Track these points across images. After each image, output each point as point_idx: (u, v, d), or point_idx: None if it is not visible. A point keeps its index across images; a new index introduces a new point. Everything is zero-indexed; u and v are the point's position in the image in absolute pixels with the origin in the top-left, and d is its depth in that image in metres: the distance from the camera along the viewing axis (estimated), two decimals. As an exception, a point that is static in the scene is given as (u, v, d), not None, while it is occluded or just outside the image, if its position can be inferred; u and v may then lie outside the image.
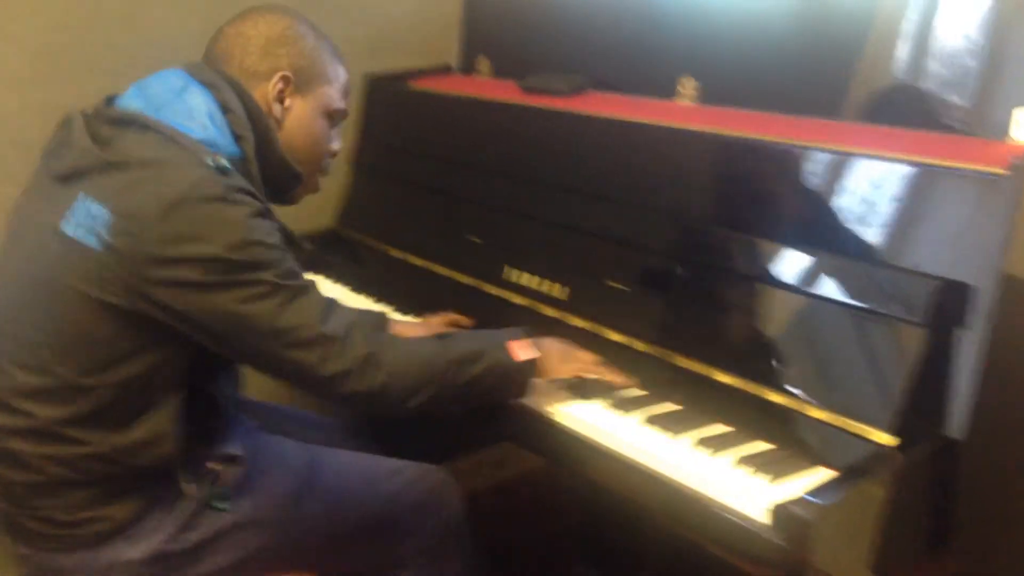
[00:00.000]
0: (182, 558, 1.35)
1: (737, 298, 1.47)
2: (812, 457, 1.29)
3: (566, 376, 1.50)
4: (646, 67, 1.89)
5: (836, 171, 1.42)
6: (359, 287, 2.02)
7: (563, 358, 1.49)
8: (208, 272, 1.21)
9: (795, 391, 1.36)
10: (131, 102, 1.34)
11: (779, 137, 1.50)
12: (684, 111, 1.77)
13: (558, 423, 1.47)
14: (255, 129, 1.36)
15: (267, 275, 1.24)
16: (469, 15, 2.32)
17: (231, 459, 1.38)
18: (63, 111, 1.39)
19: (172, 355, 1.29)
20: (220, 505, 1.37)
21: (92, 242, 1.24)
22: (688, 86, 1.80)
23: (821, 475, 1.25)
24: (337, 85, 1.50)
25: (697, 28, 1.80)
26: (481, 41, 2.29)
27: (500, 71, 2.24)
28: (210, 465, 1.36)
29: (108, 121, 1.31)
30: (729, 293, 1.48)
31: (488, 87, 2.12)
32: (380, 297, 1.96)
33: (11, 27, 1.87)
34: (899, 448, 1.22)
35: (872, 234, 1.35)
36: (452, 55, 2.38)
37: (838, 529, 1.12)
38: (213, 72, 1.39)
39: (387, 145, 2.23)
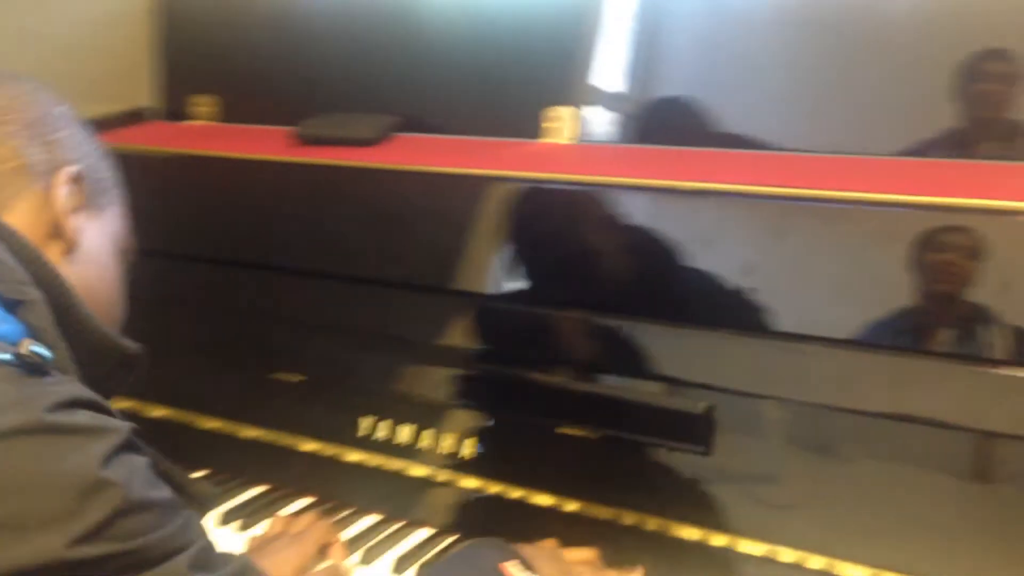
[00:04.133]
0: None
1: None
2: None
3: None
4: (489, 97, 1.36)
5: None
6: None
7: (559, 573, 0.98)
8: None
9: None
10: None
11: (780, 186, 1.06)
12: (565, 155, 1.27)
13: None
14: (39, 281, 0.75)
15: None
16: (170, 36, 1.60)
17: None
18: None
19: None
20: None
21: None
22: (563, 119, 1.29)
23: None
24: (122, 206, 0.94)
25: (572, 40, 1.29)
26: (195, 73, 1.59)
27: (236, 115, 1.56)
28: None
29: None
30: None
31: (238, 140, 1.45)
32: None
33: None
34: None
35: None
36: (143, 95, 1.66)
37: None
38: None
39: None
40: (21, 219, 0.79)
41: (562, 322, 1.11)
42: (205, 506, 0.85)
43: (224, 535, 1.16)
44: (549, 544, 1.05)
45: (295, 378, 1.25)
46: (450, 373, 1.16)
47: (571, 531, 1.06)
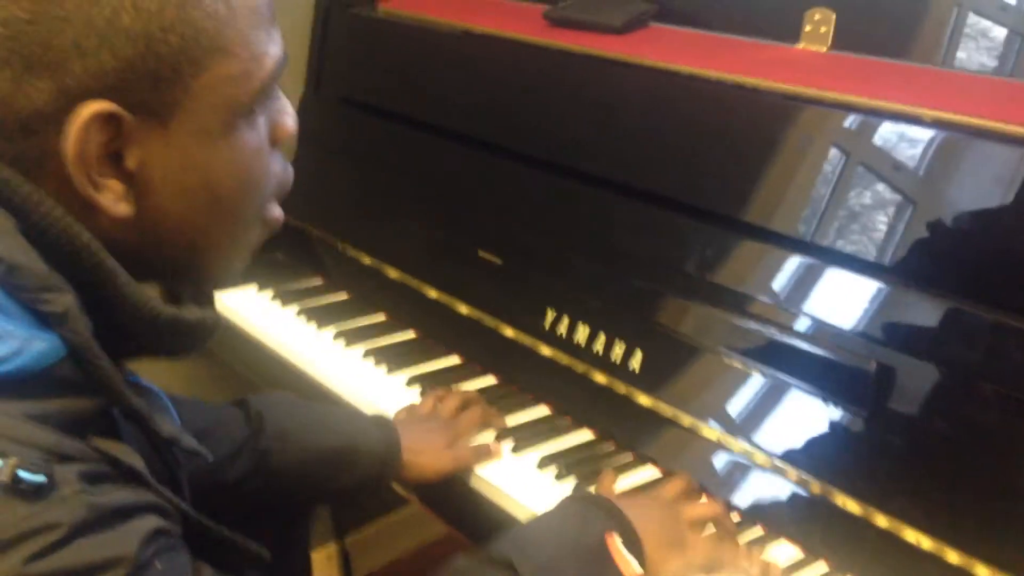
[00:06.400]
0: None
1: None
2: None
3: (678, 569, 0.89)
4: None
5: None
6: (315, 316, 1.39)
7: (670, 543, 0.89)
8: None
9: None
10: None
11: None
12: (816, 63, 1.13)
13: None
14: (75, 267, 0.60)
15: None
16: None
17: None
18: None
19: None
20: None
21: None
22: (821, 22, 1.15)
23: None
24: (250, 41, 0.63)
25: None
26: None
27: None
28: None
29: None
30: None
31: (496, 13, 1.44)
32: (348, 337, 1.34)
33: None
34: None
35: None
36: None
37: None
38: None
39: (347, 100, 1.56)
40: (49, 182, 0.60)
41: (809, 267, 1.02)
42: (260, 560, 0.73)
43: (406, 396, 1.21)
44: (670, 491, 0.97)
45: (495, 260, 1.26)
46: (653, 288, 1.11)
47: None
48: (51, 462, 0.54)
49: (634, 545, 0.85)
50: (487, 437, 1.11)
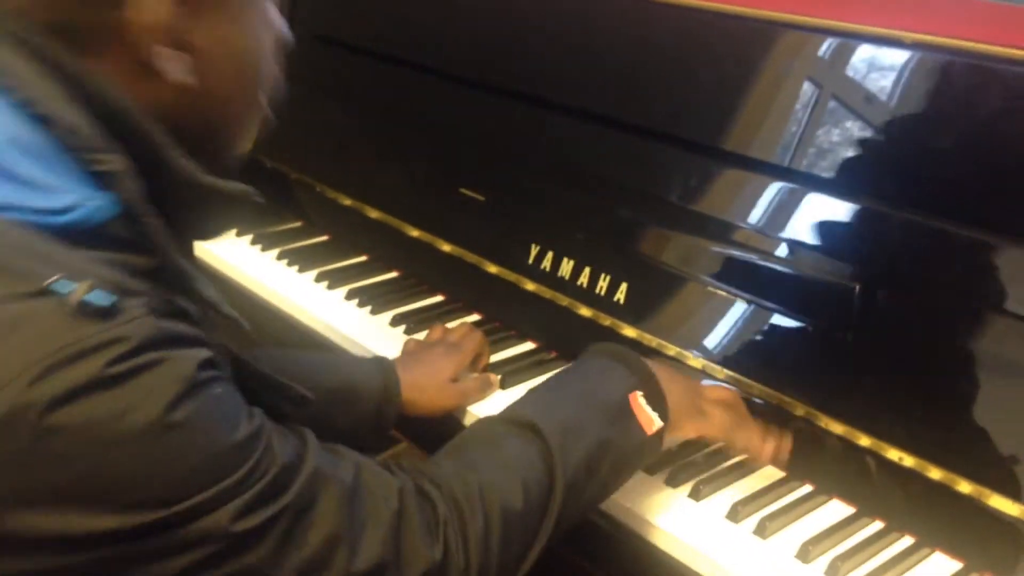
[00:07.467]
0: None
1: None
2: None
3: (694, 436, 0.95)
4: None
5: None
6: (296, 259, 1.38)
7: (691, 407, 0.93)
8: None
9: None
10: None
11: None
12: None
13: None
14: (129, 135, 0.64)
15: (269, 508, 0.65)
16: None
17: None
18: None
19: None
20: None
21: None
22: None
23: None
24: None
25: None
26: None
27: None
28: None
29: None
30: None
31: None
32: (330, 279, 1.33)
33: None
34: None
35: None
36: None
37: None
38: None
39: (321, 38, 1.54)
40: (105, 55, 0.64)
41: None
42: (305, 405, 0.79)
43: (390, 335, 1.21)
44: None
45: (478, 197, 1.25)
46: (636, 220, 1.11)
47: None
48: (117, 293, 0.59)
49: (658, 404, 0.88)
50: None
